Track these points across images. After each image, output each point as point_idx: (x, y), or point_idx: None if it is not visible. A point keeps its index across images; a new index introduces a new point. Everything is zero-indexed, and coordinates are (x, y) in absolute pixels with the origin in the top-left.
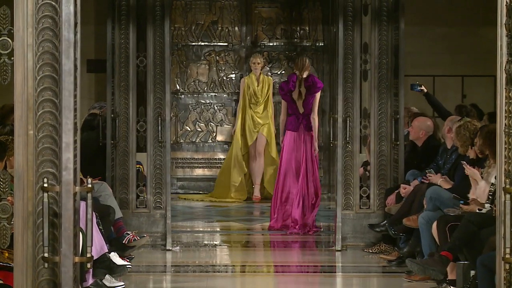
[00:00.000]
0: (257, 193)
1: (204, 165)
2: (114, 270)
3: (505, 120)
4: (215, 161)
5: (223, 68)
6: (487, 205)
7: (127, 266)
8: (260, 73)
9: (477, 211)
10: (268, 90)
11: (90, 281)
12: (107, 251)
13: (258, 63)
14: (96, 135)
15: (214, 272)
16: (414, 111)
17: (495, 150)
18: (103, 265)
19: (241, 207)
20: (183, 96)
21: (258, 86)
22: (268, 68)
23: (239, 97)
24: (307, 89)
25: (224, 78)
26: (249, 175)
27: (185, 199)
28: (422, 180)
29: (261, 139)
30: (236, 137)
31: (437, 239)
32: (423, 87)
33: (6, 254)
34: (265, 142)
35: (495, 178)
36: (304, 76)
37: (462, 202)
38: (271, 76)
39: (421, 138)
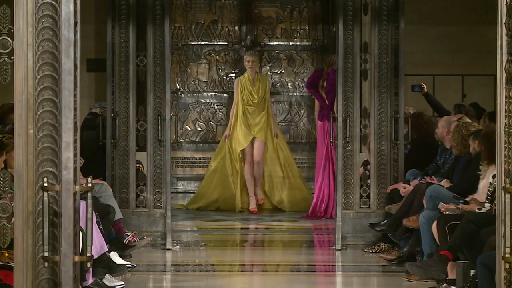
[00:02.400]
0: (253, 204)
1: (204, 164)
2: (114, 269)
3: (505, 119)
4: None
5: (223, 68)
6: (487, 205)
7: (127, 265)
8: (256, 72)
9: (477, 210)
10: (265, 89)
11: (90, 280)
12: (107, 250)
13: (253, 61)
14: (96, 134)
15: (214, 271)
16: (409, 111)
17: (490, 151)
18: (103, 265)
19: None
20: (183, 95)
21: (254, 86)
22: (268, 68)
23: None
24: (328, 82)
25: (224, 77)
26: (243, 184)
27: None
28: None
29: (259, 145)
30: (228, 146)
31: (437, 239)
32: (423, 85)
33: (6, 254)
34: (264, 148)
35: (493, 177)
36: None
37: (462, 201)
38: (270, 76)
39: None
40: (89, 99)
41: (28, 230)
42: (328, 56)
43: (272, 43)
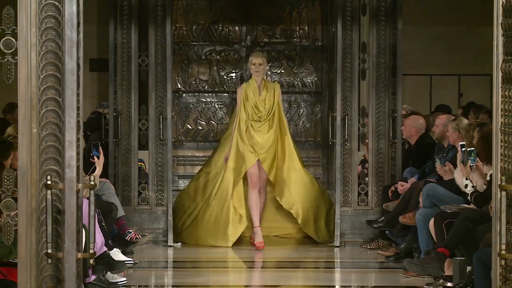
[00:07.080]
0: (259, 238)
1: (205, 162)
2: (113, 266)
3: (501, 118)
4: None
5: (224, 67)
6: (470, 186)
7: (129, 262)
8: (263, 79)
9: (465, 179)
10: (274, 100)
11: (92, 277)
12: (106, 249)
13: (260, 64)
14: (100, 133)
15: (215, 267)
16: (407, 110)
17: (488, 153)
18: (102, 262)
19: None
20: (184, 94)
21: (260, 95)
22: (268, 67)
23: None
24: None
25: (225, 77)
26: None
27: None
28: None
29: (262, 173)
30: (227, 169)
31: (434, 236)
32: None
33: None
34: (266, 178)
35: (490, 176)
36: None
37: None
38: (270, 75)
39: (413, 136)
40: (92, 98)
41: (32, 228)
42: None
43: (272, 43)
